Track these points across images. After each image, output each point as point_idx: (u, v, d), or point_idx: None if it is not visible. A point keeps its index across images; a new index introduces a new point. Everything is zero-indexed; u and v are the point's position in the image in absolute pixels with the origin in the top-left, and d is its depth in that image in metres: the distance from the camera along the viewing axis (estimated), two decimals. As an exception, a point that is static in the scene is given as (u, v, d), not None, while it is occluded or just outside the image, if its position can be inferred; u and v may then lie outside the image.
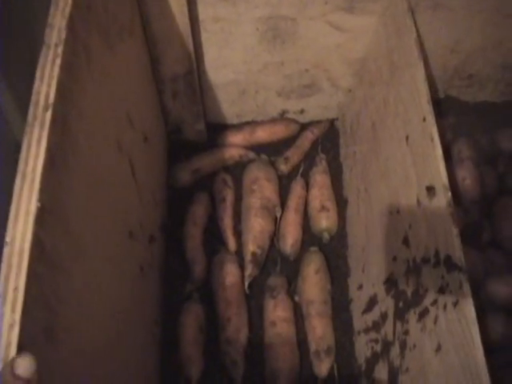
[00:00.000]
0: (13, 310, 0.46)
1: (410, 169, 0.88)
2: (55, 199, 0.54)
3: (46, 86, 0.56)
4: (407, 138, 0.90)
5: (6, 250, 0.49)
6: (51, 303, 0.52)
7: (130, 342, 0.87)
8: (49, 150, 0.53)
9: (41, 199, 0.50)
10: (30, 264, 0.48)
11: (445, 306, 0.75)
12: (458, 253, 0.73)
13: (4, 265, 0.48)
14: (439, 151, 0.80)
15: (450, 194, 0.77)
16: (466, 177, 1.12)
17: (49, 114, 0.54)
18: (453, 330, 0.73)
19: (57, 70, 0.57)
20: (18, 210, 0.50)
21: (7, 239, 0.49)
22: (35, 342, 0.49)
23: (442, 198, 0.77)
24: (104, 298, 0.72)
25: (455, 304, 0.72)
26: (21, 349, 0.45)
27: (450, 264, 0.74)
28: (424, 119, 0.84)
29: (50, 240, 0.52)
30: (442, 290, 0.76)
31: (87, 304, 0.65)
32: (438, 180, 0.79)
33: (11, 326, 0.46)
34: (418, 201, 0.84)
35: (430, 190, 0.81)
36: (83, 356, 0.62)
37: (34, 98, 0.56)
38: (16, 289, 0.47)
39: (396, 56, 0.97)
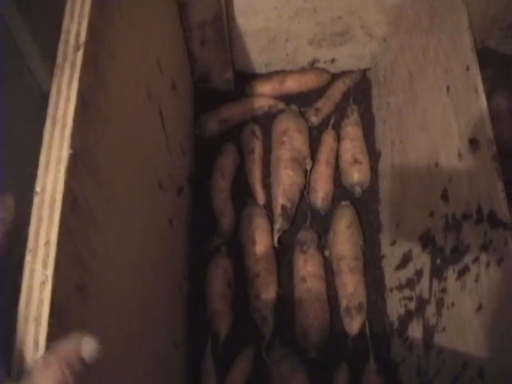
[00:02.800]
0: (44, 266, 0.43)
1: (450, 120, 0.84)
2: (87, 147, 0.51)
3: (76, 24, 0.52)
4: (448, 88, 0.86)
5: (35, 201, 0.45)
6: (84, 257, 0.49)
7: (157, 297, 0.85)
8: (80, 92, 0.49)
9: (73, 146, 0.47)
10: (62, 216, 0.45)
11: (487, 264, 0.72)
12: (503, 209, 0.69)
13: (34, 217, 0.45)
14: (484, 102, 0.76)
15: (494, 147, 0.73)
16: (504, 130, 1.09)
17: (80, 54, 0.51)
18: (496, 290, 0.70)
19: (88, 7, 0.53)
20: (49, 158, 0.47)
21: (37, 189, 0.46)
22: (68, 299, 0.46)
23: (487, 152, 0.74)
24: (133, 251, 0.70)
25: (499, 262, 0.69)
26: (53, 307, 0.42)
27: (494, 220, 0.71)
28: (467, 68, 0.80)
29: (81, 190, 0.49)
30: (484, 248, 0.73)
31: (117, 258, 0.62)
32: (482, 133, 0.75)
33: (43, 283, 0.43)
34: (460, 154, 0.81)
35: (474, 142, 0.77)
36: (113, 313, 0.60)
37: (63, 36, 0.52)
38: (47, 243, 0.44)
39: (437, 2, 0.92)
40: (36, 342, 0.41)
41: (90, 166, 0.52)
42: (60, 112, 0.48)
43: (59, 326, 0.43)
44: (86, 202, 0.51)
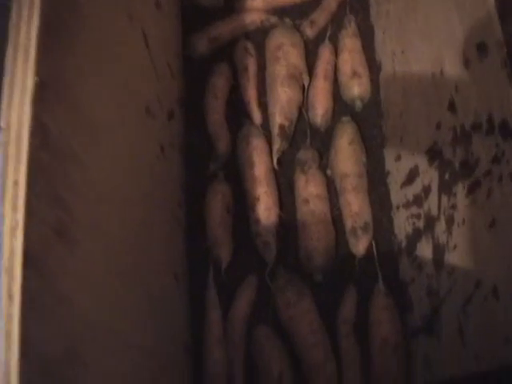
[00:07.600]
0: (14, 209, 0.39)
1: (455, 25, 0.80)
2: (57, 73, 0.46)
3: None
4: (451, -11, 0.80)
5: (1, 138, 0.41)
6: (63, 198, 0.45)
7: (152, 229, 0.81)
8: (44, 11, 0.44)
9: (38, 73, 0.42)
10: (31, 152, 0.40)
11: (500, 178, 0.69)
12: (516, 118, 0.66)
13: (0, 155, 0.40)
14: (491, 3, 0.70)
15: (505, 51, 0.68)
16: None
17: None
18: (509, 204, 0.67)
19: None
20: (13, 88, 0.42)
21: (2, 124, 0.41)
22: (46, 246, 0.41)
23: (496, 57, 0.69)
24: (122, 184, 0.66)
25: (512, 175, 0.66)
26: (28, 256, 0.38)
27: (506, 130, 0.67)
28: (472, -33, 0.74)
29: (55, 124, 0.44)
30: (496, 160, 0.70)
31: (105, 196, 0.58)
32: (490, 36, 0.70)
33: (13, 228, 0.38)
34: (467, 61, 0.76)
35: (481, 47, 0.72)
36: (104, 254, 0.56)
37: None
38: (16, 183, 0.39)
39: None
40: (10, 296, 0.37)
41: (64, 95, 0.47)
42: (22, 35, 0.43)
43: (38, 277, 0.39)
44: (63, 137, 0.46)
